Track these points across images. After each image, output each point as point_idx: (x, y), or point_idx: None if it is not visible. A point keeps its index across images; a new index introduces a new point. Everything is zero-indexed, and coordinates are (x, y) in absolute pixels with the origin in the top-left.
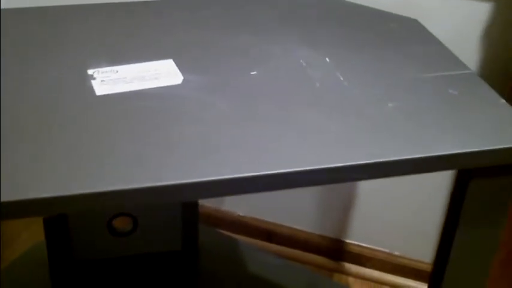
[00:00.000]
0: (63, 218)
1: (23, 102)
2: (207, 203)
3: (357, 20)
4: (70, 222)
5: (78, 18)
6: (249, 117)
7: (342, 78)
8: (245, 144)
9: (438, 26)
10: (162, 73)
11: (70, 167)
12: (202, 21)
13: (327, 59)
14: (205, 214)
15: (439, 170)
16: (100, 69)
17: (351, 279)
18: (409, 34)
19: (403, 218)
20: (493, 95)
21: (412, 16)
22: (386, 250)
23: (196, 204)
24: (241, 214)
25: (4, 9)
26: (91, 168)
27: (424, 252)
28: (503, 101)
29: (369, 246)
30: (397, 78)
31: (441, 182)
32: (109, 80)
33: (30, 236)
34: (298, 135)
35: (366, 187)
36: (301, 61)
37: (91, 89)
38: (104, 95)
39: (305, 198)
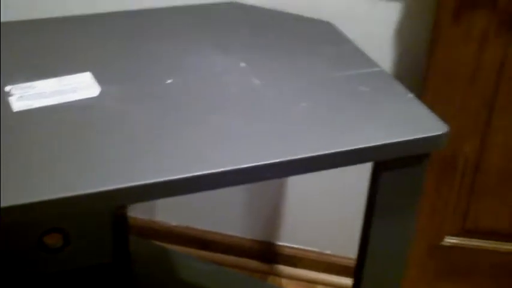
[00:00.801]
0: None
1: None
2: (141, 215)
3: (270, 24)
4: (4, 240)
5: None
6: (164, 125)
7: (257, 82)
8: (158, 150)
9: (351, 28)
10: (79, 86)
11: None
12: (117, 33)
13: (242, 64)
14: (138, 226)
15: (352, 164)
16: (17, 85)
17: (284, 281)
18: (322, 36)
19: (331, 217)
20: (401, 90)
21: (325, 19)
22: (317, 250)
23: (125, 216)
24: (174, 224)
25: None
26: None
27: (354, 249)
28: (411, 95)
29: (299, 247)
30: (310, 78)
31: (363, 178)
32: (27, 95)
33: None
34: (212, 139)
35: (293, 189)
36: (217, 67)
37: (7, 106)
38: (22, 110)
39: (236, 204)
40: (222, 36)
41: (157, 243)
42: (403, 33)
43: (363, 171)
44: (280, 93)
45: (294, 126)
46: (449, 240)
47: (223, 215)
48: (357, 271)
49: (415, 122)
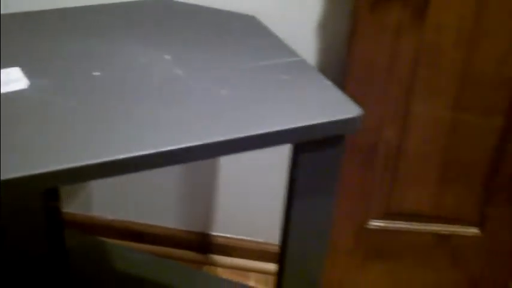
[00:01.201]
0: None
1: None
2: (75, 210)
3: (195, 18)
4: None
5: None
6: (90, 112)
7: (180, 72)
8: (84, 136)
9: (275, 22)
10: (9, 79)
11: None
12: (46, 30)
13: (166, 56)
14: (73, 221)
15: (271, 145)
16: None
17: (219, 270)
18: (246, 29)
19: (263, 206)
20: (320, 77)
21: (250, 13)
22: (250, 238)
23: (58, 209)
24: (110, 218)
25: None
26: None
27: None
28: (330, 82)
29: (233, 236)
30: (232, 68)
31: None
32: None
33: None
34: (137, 126)
35: (224, 181)
36: (142, 60)
37: None
38: None
39: (170, 197)
40: (147, 32)
41: (94, 236)
42: (326, 26)
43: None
44: (202, 82)
45: (214, 111)
46: (375, 223)
47: (158, 208)
48: (281, 255)
49: (331, 107)
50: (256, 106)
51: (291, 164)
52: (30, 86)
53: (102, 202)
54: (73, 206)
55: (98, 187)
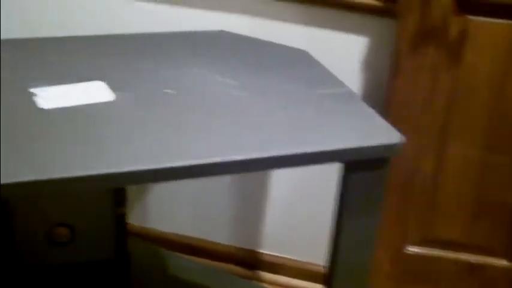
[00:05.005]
0: (8, 224)
1: None
2: (133, 221)
3: (254, 50)
4: (15, 230)
5: (19, 48)
6: (164, 124)
7: (242, 94)
8: (159, 142)
9: (325, 56)
10: (95, 92)
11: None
12: (124, 52)
13: (231, 81)
14: (132, 232)
15: (325, 162)
16: (41, 88)
17: (266, 286)
18: (298, 61)
19: (308, 226)
20: (365, 107)
21: (304, 48)
22: (295, 258)
23: (124, 216)
24: (165, 230)
25: None
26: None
27: None
28: (373, 111)
29: (280, 255)
30: (287, 93)
31: (330, 185)
32: (51, 96)
33: None
34: (204, 138)
35: (274, 203)
36: (208, 82)
37: (34, 104)
38: (48, 108)
39: (223, 213)
40: (212, 59)
41: (154, 245)
42: (369, 63)
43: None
44: (262, 104)
45: (273, 129)
46: (411, 249)
47: (211, 224)
48: (330, 270)
49: (376, 132)
50: (312, 128)
51: (341, 183)
52: (115, 99)
53: (158, 215)
54: (131, 217)
55: (155, 200)
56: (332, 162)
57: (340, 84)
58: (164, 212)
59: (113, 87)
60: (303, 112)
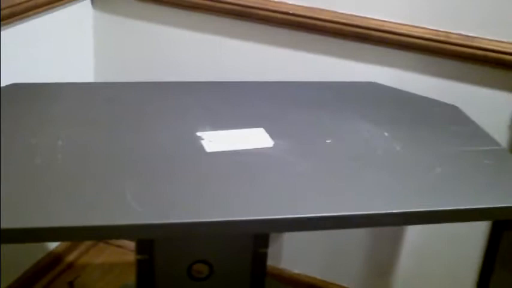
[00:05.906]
0: (151, 262)
1: (151, 155)
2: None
3: (405, 103)
4: (156, 267)
5: (183, 92)
6: (323, 173)
7: (398, 148)
8: (321, 192)
9: (475, 112)
10: (256, 138)
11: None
12: (280, 99)
13: (385, 133)
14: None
15: (474, 220)
16: (206, 133)
17: None
18: (450, 117)
19: (448, 276)
20: None
21: (453, 103)
22: None
23: (265, 255)
24: (297, 272)
25: (115, 83)
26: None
27: None
28: None
29: None
30: (441, 149)
31: (476, 239)
32: (215, 140)
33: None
34: (363, 189)
35: (407, 252)
36: (365, 134)
37: (201, 147)
38: (212, 151)
39: (351, 258)
40: (365, 109)
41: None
42: None
43: (474, 233)
44: (417, 158)
45: (429, 185)
46: None
47: (339, 268)
48: None
49: None
50: (466, 184)
51: (490, 239)
52: (274, 146)
53: (290, 255)
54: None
55: (289, 241)
56: (484, 220)
57: (492, 141)
58: (296, 253)
59: (272, 134)
60: (458, 168)
